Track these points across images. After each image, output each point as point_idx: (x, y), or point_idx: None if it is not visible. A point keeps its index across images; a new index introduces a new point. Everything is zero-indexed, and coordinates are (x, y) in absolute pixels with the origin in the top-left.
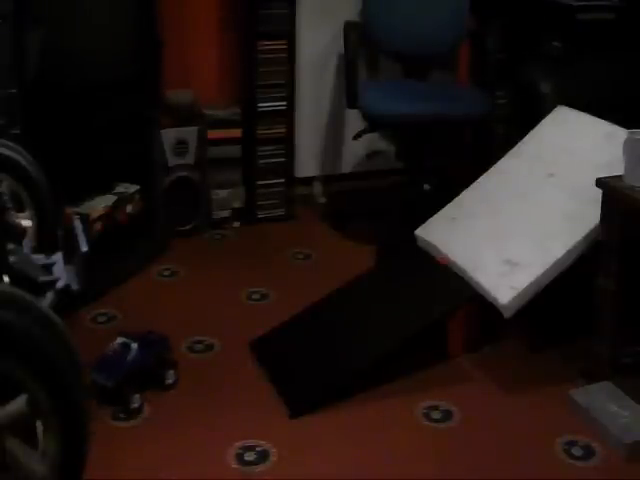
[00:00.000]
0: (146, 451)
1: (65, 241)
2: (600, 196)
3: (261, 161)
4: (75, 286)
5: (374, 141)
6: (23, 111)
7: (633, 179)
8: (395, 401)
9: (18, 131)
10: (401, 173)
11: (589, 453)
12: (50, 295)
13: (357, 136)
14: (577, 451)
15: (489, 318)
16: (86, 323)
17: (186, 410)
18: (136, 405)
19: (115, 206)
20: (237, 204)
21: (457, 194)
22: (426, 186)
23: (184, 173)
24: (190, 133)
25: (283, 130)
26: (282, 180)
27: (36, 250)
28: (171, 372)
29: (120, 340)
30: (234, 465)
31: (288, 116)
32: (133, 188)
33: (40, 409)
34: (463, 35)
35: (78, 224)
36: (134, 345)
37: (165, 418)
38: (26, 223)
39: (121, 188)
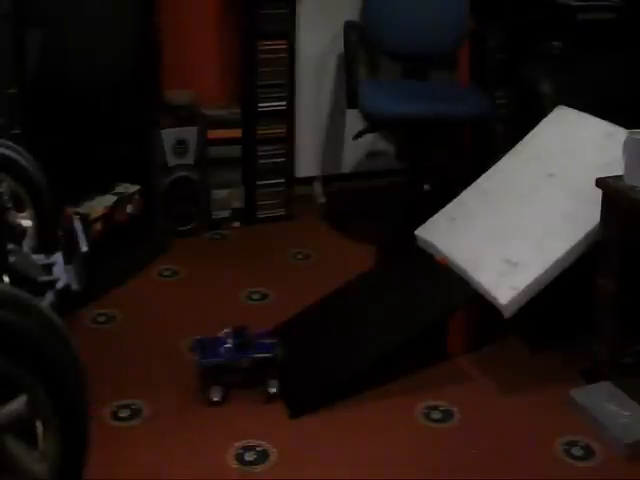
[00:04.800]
0: (146, 451)
1: (65, 241)
2: (600, 196)
3: (261, 161)
4: (75, 286)
5: (374, 141)
6: (23, 111)
7: (633, 179)
8: (395, 401)
9: (18, 131)
10: (401, 173)
11: (589, 453)
12: (50, 295)
13: (357, 136)
14: (577, 451)
15: (489, 318)
16: (86, 323)
17: (186, 410)
18: (216, 399)
19: (115, 206)
20: (237, 204)
21: (457, 194)
22: (426, 186)
23: (184, 173)
24: (190, 133)
25: (283, 130)
26: (282, 180)
27: (36, 250)
28: (274, 381)
29: (227, 330)
30: (234, 465)
31: (288, 116)
32: (133, 188)
33: (40, 409)
34: (463, 35)
35: (78, 224)
36: (229, 340)
37: (165, 418)
38: (26, 223)
39: (121, 188)
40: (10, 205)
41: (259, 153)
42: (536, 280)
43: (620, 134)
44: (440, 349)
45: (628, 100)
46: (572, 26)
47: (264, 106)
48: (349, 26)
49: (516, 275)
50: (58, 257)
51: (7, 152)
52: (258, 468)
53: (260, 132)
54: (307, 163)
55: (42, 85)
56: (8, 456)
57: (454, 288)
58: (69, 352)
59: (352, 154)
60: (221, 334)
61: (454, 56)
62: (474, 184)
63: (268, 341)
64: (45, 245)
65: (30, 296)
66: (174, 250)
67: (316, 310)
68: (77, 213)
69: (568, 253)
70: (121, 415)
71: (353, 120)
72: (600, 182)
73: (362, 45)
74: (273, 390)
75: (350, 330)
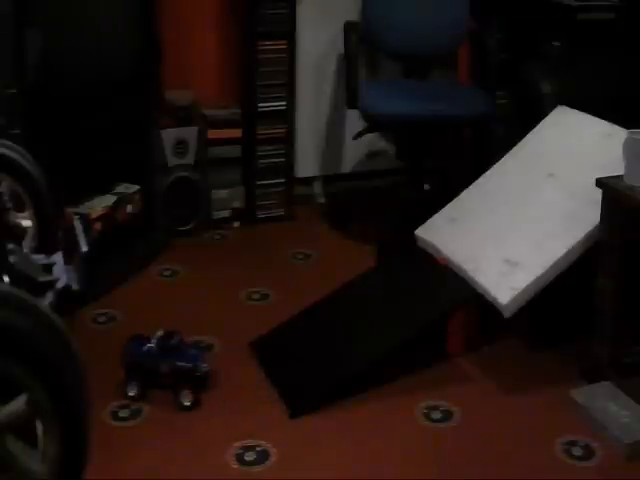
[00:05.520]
0: (146, 451)
1: (65, 241)
2: (600, 196)
3: (261, 161)
4: (75, 286)
5: (374, 141)
6: (23, 111)
7: (633, 179)
8: (395, 401)
9: (18, 131)
10: (401, 173)
11: (589, 453)
12: (50, 295)
13: (357, 136)
14: (577, 451)
15: (489, 318)
16: (86, 323)
17: (186, 410)
18: (131, 394)
19: (115, 206)
20: (237, 204)
21: (457, 194)
22: (426, 186)
23: (184, 173)
24: (190, 133)
25: (283, 130)
26: (282, 180)
27: (36, 250)
28: (186, 392)
29: (160, 333)
30: (234, 465)
31: (288, 116)
32: (133, 188)
33: (40, 409)
34: (463, 35)
35: (78, 224)
36: (153, 341)
37: (165, 418)
38: (26, 223)
39: (121, 188)
40: (10, 205)
41: (259, 153)
42: (536, 280)
43: (620, 134)
44: (440, 349)
45: (628, 100)
46: (572, 26)
47: (264, 106)
48: (349, 26)
49: (516, 275)
50: (58, 257)
51: (7, 152)
52: (258, 468)
53: (260, 132)
54: (307, 163)
55: (42, 85)
56: (8, 456)
57: (454, 288)
58: (69, 352)
59: (352, 154)
60: (155, 334)
61: (454, 56)
62: (474, 184)
63: (193, 352)
64: (45, 245)
65: (30, 296)
66: (174, 250)
67: (316, 310)
68: (77, 213)
69: (568, 253)
70: (121, 415)
71: (353, 120)
72: (600, 182)
73: (362, 45)
74: (187, 403)
75: (350, 330)
